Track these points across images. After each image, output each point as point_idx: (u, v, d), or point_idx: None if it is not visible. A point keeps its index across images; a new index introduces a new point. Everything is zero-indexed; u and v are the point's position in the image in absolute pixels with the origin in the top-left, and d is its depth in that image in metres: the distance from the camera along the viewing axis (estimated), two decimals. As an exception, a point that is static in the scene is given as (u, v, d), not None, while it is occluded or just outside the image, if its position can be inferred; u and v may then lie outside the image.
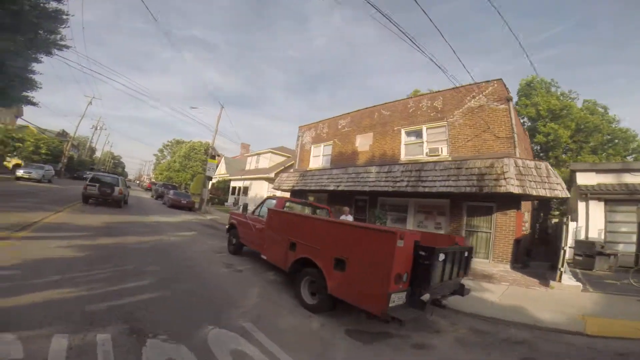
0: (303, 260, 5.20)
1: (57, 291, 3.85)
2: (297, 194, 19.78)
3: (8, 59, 11.53)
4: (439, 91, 14.14)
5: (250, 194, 29.45)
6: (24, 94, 15.02)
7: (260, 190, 27.89)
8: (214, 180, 39.99)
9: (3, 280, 3.92)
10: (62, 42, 14.12)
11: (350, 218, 10.52)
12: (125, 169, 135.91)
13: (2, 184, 18.97)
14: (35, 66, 14.73)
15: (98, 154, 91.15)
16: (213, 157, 23.26)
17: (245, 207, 7.80)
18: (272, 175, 26.66)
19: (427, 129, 13.35)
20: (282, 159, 30.88)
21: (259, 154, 31.71)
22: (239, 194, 32.69)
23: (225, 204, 33.46)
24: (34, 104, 15.90)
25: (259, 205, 8.25)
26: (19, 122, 36.01)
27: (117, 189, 15.40)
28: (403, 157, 14.03)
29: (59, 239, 6.69)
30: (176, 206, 21.68)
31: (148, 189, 48.43)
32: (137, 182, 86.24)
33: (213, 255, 8.15)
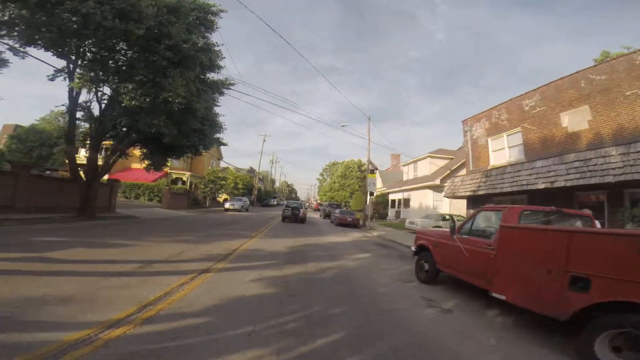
0: (609, 305, 3.01)
1: (249, 354, 2.90)
2: (481, 200, 15.83)
3: (194, 101, 13.33)
4: None
5: (413, 204, 26.89)
6: (216, 135, 18.43)
7: (425, 199, 24.92)
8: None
9: (200, 331, 3.33)
10: (230, 82, 16.62)
11: (598, 225, 6.47)
12: (298, 194, 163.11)
13: (217, 215, 24.53)
14: (216, 109, 17.65)
15: (277, 184, 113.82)
16: (372, 172, 22.50)
17: (454, 227, 5.61)
18: (436, 182, 23.31)
19: None
20: (444, 162, 26.94)
21: (416, 161, 28.98)
22: (399, 207, 30.76)
23: (387, 218, 32.22)
24: (224, 144, 19.70)
25: (467, 221, 5.90)
26: (221, 164, 47.78)
27: (301, 210, 22.92)
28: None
29: (252, 269, 6.61)
30: (343, 224, 21.94)
31: (316, 209, 54.09)
32: (307, 204, 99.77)
33: (403, 287, 6.34)
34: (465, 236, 5.49)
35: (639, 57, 9.23)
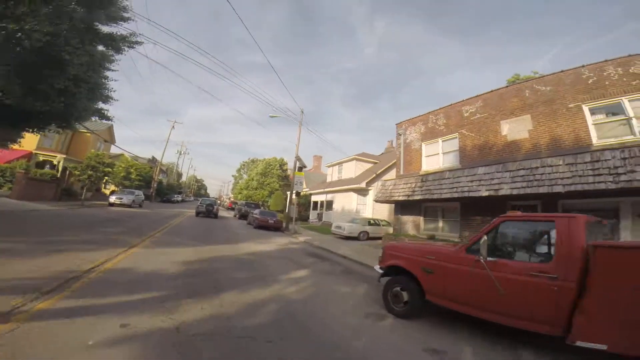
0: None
1: None
2: (411, 206, 15.18)
3: (62, 47, 9.16)
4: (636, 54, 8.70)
5: (336, 207, 25.74)
6: (99, 106, 13.42)
7: (349, 202, 23.96)
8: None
9: None
10: (136, 39, 12.18)
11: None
12: (207, 190, 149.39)
13: (94, 211, 18.53)
14: (110, 74, 12.97)
15: (184, 178, 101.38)
16: (300, 170, 20.23)
17: (485, 246, 3.54)
18: (362, 184, 22.54)
19: (629, 101, 8.06)
20: (368, 165, 26.70)
21: (341, 163, 28.08)
22: (321, 209, 29.37)
23: (309, 220, 30.46)
24: (108, 118, 14.18)
25: (480, 236, 3.95)
26: (115, 150, 38.98)
27: (215, 207, 25.47)
28: (595, 140, 8.86)
29: (110, 314, 3.40)
30: (264, 226, 19.01)
31: (230, 208, 48.97)
32: (218, 201, 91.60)
33: (380, 330, 4.13)
34: (491, 259, 3.54)
35: (585, 71, 9.38)
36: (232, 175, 73.45)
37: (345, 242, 16.43)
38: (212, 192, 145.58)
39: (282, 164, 50.40)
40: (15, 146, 15.95)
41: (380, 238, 16.78)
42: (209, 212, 24.22)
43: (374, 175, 22.90)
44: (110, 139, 33.66)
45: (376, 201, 17.31)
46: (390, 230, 18.08)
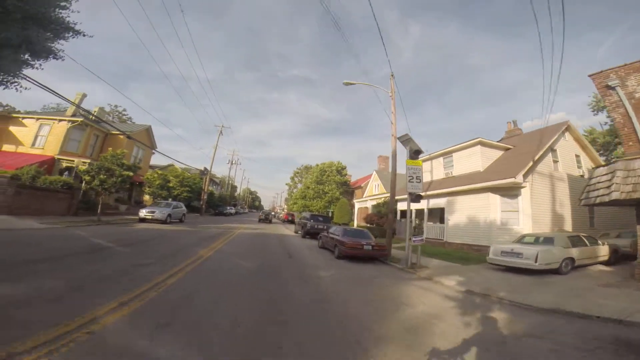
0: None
1: None
2: None
3: None
4: None
5: (456, 217, 16.59)
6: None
7: (483, 209, 14.82)
8: (364, 204, 29.37)
9: None
10: None
11: None
12: (262, 202, 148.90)
13: (109, 229, 12.50)
14: None
15: (238, 190, 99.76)
16: (416, 156, 11.79)
17: None
18: (515, 178, 13.26)
19: None
20: (495, 153, 17.29)
21: (449, 153, 19.00)
22: (418, 220, 20.53)
23: (394, 235, 21.74)
24: (55, 54, 7.94)
25: None
26: (161, 160, 34.79)
27: (270, 215, 38.31)
28: None
29: None
30: (354, 255, 10.88)
31: (286, 221, 42.35)
32: (273, 212, 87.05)
33: None
34: None
35: None
36: (286, 184, 67.55)
37: (542, 281, 7.65)
38: (266, 203, 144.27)
39: (339, 169, 42.54)
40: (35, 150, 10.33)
41: (589, 265, 7.80)
42: (267, 218, 36.26)
43: (530, 163, 13.55)
44: (149, 143, 29.10)
45: (586, 204, 8.21)
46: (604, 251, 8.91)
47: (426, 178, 20.47)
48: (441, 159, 19.33)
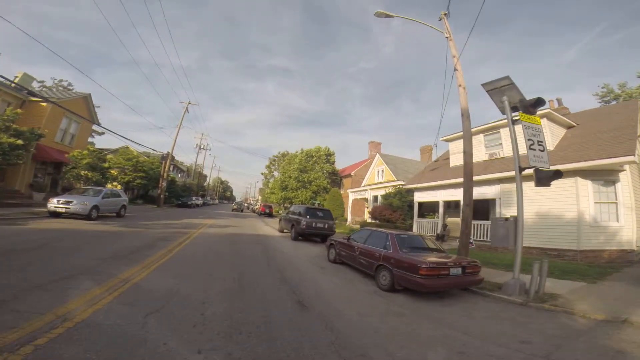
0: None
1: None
2: None
3: None
4: None
5: (527, 213, 11.91)
6: None
7: (569, 201, 10.21)
8: (361, 195, 24.27)
9: None
10: None
11: None
12: (234, 193, 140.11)
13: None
14: None
15: (209, 179, 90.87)
16: (533, 108, 6.60)
17: None
18: (629, 157, 8.67)
19: None
20: (559, 130, 12.77)
21: (495, 128, 14.20)
22: (446, 214, 15.87)
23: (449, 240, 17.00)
24: None
25: None
26: (115, 142, 27.63)
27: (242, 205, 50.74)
28: None
29: None
30: (434, 288, 5.53)
31: (262, 213, 36.46)
32: (245, 204, 79.86)
33: None
34: None
35: None
36: (261, 173, 61.20)
37: None
38: (238, 194, 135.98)
39: (328, 154, 37.23)
40: None
41: None
42: (239, 208, 42.33)
43: (637, 140, 9.07)
44: (87, 115, 21.91)
45: None
46: None
47: (455, 161, 15.80)
48: (481, 136, 14.57)
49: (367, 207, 24.98)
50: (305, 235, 13.09)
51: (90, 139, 42.24)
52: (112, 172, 22.29)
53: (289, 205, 43.31)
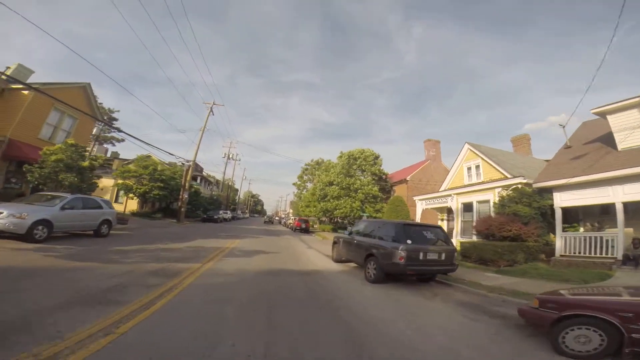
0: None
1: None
2: None
3: None
4: None
5: None
6: None
7: None
8: (438, 203, 17.33)
9: None
10: None
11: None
12: (264, 206, 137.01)
13: None
14: None
15: (240, 194, 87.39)
16: None
17: None
18: None
19: None
20: None
21: None
22: (620, 223, 8.98)
23: (552, 259, 10.08)
24: None
25: None
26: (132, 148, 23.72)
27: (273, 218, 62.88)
28: None
29: None
30: None
31: (297, 229, 30.58)
32: (276, 217, 75.01)
33: None
34: None
35: None
36: (293, 184, 55.83)
37: None
38: (269, 208, 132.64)
39: (375, 157, 30.79)
40: None
41: None
42: (270, 221, 46.00)
43: None
44: (87, 109, 17.70)
45: None
46: None
47: (628, 142, 9.01)
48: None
49: (443, 219, 18.23)
50: (400, 275, 6.91)
51: (110, 147, 39.62)
52: (126, 181, 17.74)
53: (326, 218, 37.26)
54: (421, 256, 6.52)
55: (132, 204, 28.54)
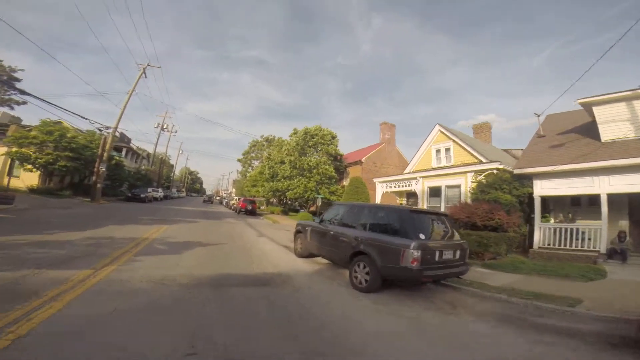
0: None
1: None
2: None
3: None
4: None
5: None
6: None
7: None
8: (401, 186, 16.01)
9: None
10: None
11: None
12: (203, 185, 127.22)
13: None
14: None
15: (176, 171, 78.24)
16: None
17: None
18: None
19: None
20: None
21: None
22: (604, 215, 8.45)
23: (531, 249, 9.37)
24: None
25: None
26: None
27: (212, 198, 59.49)
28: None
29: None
30: None
31: (242, 210, 27.29)
32: (217, 198, 69.55)
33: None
34: None
35: None
36: (238, 160, 51.45)
37: None
38: (208, 186, 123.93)
39: (331, 137, 28.82)
40: None
41: None
42: (210, 200, 50.02)
43: None
44: None
45: None
46: None
47: (611, 134, 8.42)
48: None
49: (402, 204, 17.23)
50: (408, 282, 5.03)
51: (7, 111, 31.08)
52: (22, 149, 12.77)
53: (276, 199, 34.34)
54: (437, 256, 4.69)
55: (32, 178, 22.20)
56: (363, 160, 27.71)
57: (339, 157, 28.86)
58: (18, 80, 28.60)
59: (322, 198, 23.65)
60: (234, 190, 77.82)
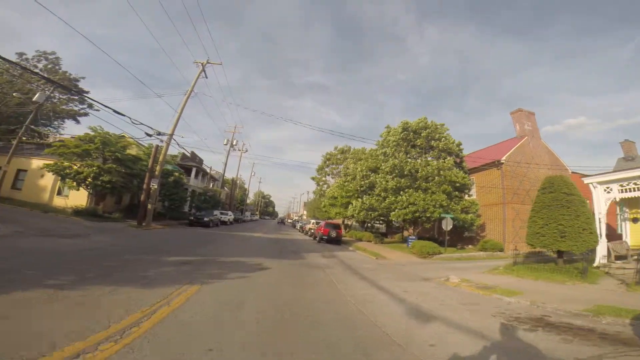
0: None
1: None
2: None
3: None
4: None
5: None
6: None
7: None
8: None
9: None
10: None
11: None
12: (276, 208, 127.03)
13: None
14: None
15: (250, 195, 76.70)
16: None
17: None
18: None
19: None
20: None
21: None
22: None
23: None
24: None
25: None
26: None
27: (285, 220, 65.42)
28: None
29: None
30: None
31: (323, 238, 19.75)
32: (289, 220, 65.06)
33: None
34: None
35: None
36: (312, 178, 45.08)
37: None
38: (280, 209, 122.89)
39: (452, 141, 19.68)
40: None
41: None
42: (282, 222, 55.72)
43: None
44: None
45: None
46: None
47: None
48: None
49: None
50: None
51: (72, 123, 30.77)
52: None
53: (370, 221, 25.86)
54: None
55: (81, 198, 18.68)
56: (503, 160, 18.18)
57: (457, 159, 19.59)
58: (85, 92, 27.32)
59: (451, 218, 14.87)
60: (305, 212, 72.69)
